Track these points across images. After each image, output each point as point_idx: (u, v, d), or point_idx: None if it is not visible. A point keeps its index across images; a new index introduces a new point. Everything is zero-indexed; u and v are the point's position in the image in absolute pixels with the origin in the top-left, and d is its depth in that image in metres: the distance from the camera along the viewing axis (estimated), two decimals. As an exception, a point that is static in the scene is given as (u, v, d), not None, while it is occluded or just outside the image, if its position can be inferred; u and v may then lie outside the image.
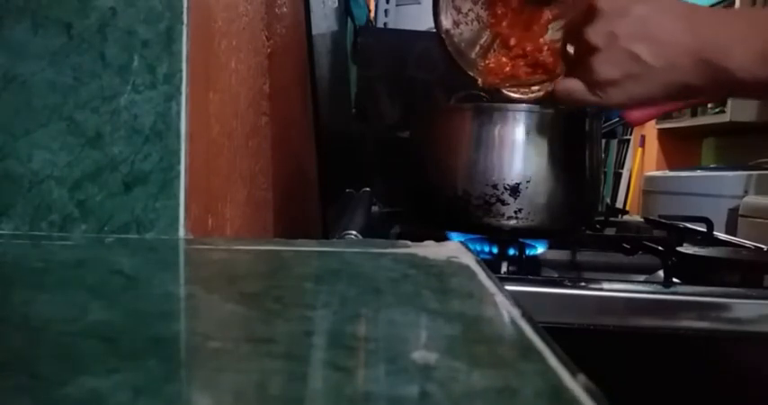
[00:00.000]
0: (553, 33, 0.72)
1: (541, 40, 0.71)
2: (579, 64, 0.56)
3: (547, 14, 0.72)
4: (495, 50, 0.72)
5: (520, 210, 0.65)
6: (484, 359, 0.19)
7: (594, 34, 0.53)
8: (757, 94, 0.60)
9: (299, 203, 0.81)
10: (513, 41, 0.72)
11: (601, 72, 0.54)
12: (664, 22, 0.52)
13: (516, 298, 0.26)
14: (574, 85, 0.56)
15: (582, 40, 0.54)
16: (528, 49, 0.70)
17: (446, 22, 0.74)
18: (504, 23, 0.73)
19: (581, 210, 0.71)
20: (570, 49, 0.62)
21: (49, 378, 0.17)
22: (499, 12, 0.73)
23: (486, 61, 0.72)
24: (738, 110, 2.43)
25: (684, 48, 0.51)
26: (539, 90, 0.71)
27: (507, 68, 0.71)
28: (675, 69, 0.51)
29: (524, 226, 0.66)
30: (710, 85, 0.52)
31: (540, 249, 0.72)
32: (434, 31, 0.77)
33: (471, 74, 0.73)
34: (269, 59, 0.65)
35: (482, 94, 0.77)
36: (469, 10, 0.75)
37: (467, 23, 0.75)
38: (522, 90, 0.72)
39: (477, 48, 0.74)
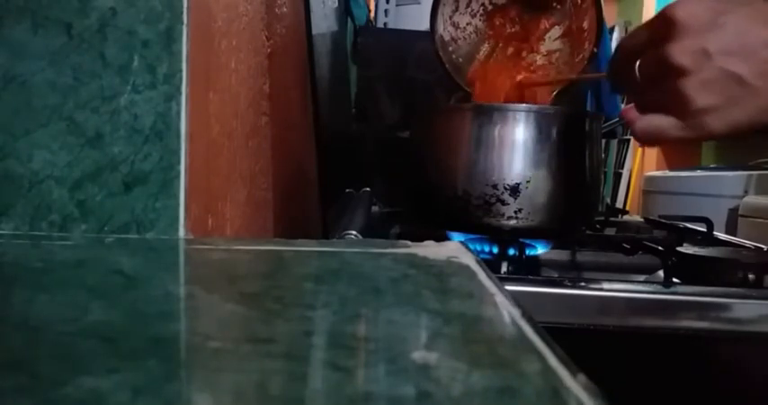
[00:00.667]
0: (550, 43, 0.73)
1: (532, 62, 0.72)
2: (663, 92, 0.47)
3: (544, 24, 0.73)
4: (487, 66, 0.73)
5: (520, 210, 0.65)
6: (484, 359, 0.19)
7: (681, 54, 0.45)
8: None
9: (299, 203, 0.81)
10: (509, 51, 0.73)
11: (697, 99, 0.45)
12: (764, 32, 0.44)
13: (516, 298, 0.26)
14: (661, 121, 0.48)
15: (665, 63, 0.46)
16: (517, 76, 0.71)
17: (444, 39, 0.75)
18: (500, 34, 0.74)
19: (581, 210, 0.71)
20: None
21: (49, 378, 0.17)
22: (497, 23, 0.74)
23: (480, 79, 0.73)
24: (738, 110, 2.43)
25: None
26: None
27: (495, 88, 0.72)
28: None
29: (524, 226, 0.66)
30: None
31: (540, 249, 0.72)
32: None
33: (468, 90, 0.74)
34: (269, 59, 0.65)
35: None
36: (468, 24, 0.75)
37: (464, 38, 0.75)
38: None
39: (476, 63, 0.75)
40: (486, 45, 0.75)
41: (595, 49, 0.69)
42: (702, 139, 0.48)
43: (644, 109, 0.50)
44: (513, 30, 0.74)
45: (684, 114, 0.46)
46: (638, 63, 0.49)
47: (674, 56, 0.45)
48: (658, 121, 0.48)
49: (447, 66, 0.75)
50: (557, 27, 0.73)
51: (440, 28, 0.75)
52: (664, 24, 0.46)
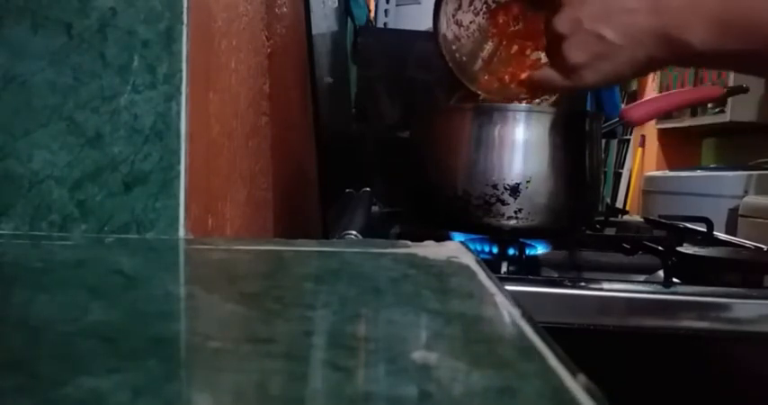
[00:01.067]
0: None
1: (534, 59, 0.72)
2: (552, 53, 0.60)
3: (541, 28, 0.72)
4: (495, 62, 0.73)
5: (520, 210, 0.65)
6: (484, 359, 0.19)
7: (561, 23, 0.57)
8: (720, 66, 0.68)
9: (299, 203, 0.82)
10: (514, 49, 0.72)
11: (571, 56, 0.57)
12: (624, 1, 0.55)
13: (516, 298, 0.26)
14: (549, 74, 0.60)
15: (551, 31, 0.58)
16: (522, 74, 0.71)
17: (448, 37, 0.74)
18: (504, 32, 0.73)
19: (581, 210, 0.71)
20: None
21: (49, 378, 0.17)
22: (501, 20, 0.74)
23: (486, 78, 0.72)
24: (738, 110, 2.44)
25: (645, 25, 0.53)
26: (547, 98, 0.71)
27: (506, 86, 0.72)
28: (639, 46, 0.54)
29: (524, 226, 0.66)
30: (674, 59, 0.55)
31: (540, 249, 0.72)
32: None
33: (473, 89, 0.74)
34: (269, 59, 0.65)
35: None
36: (471, 22, 0.75)
37: (468, 36, 0.75)
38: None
39: (479, 61, 0.74)
40: (490, 43, 0.74)
41: None
42: (581, 88, 0.61)
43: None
44: (516, 28, 0.73)
45: (565, 69, 0.58)
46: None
47: (556, 25, 0.57)
48: (546, 73, 0.61)
49: (450, 64, 0.75)
50: None
51: (443, 26, 0.74)
52: (554, 1, 0.58)
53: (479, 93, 0.74)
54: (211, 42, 0.46)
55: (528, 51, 0.73)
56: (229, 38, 0.50)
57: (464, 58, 0.75)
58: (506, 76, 0.72)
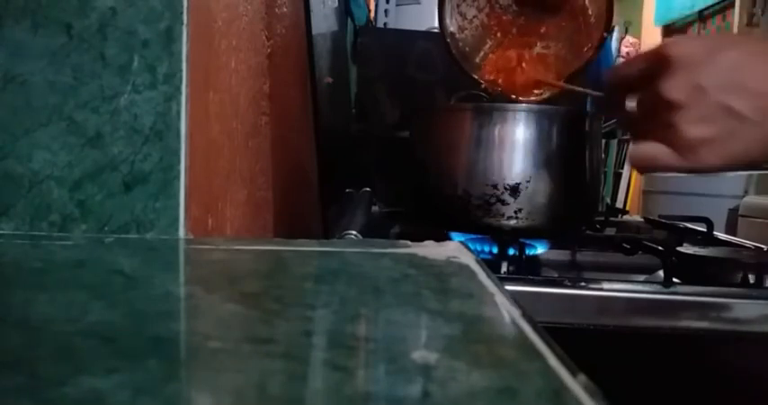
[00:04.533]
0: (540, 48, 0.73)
1: (533, 52, 0.72)
2: (659, 124, 0.48)
3: (543, 27, 0.72)
4: (496, 57, 0.73)
5: (520, 210, 0.65)
6: (484, 359, 0.19)
7: (676, 89, 0.46)
8: None
9: (299, 203, 0.81)
10: (511, 51, 0.73)
11: (689, 131, 0.46)
12: (758, 68, 0.46)
13: (516, 298, 0.26)
14: (655, 150, 0.49)
15: (659, 98, 0.47)
16: (522, 63, 0.71)
17: (451, 27, 0.75)
18: (506, 31, 0.73)
19: (581, 210, 0.71)
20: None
21: (49, 378, 0.17)
22: (504, 18, 0.74)
23: (487, 71, 0.72)
24: (738, 110, 2.43)
25: None
26: (541, 93, 0.71)
27: (505, 76, 0.72)
28: None
29: (524, 226, 0.66)
30: None
31: (540, 249, 0.72)
32: (435, 30, 0.78)
33: (475, 77, 0.74)
34: (269, 59, 0.65)
35: (482, 93, 0.77)
36: (474, 16, 0.75)
37: (471, 29, 0.75)
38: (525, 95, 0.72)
39: (482, 53, 0.74)
40: (491, 40, 0.74)
41: (605, 34, 0.69)
42: (697, 170, 0.48)
43: (637, 136, 0.52)
44: (516, 31, 0.74)
45: (678, 145, 0.47)
46: (628, 96, 0.51)
47: (668, 91, 0.46)
48: (652, 149, 0.49)
49: (454, 51, 0.75)
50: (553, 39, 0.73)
51: (447, 17, 0.74)
52: (658, 61, 0.48)
53: (481, 82, 0.73)
54: (211, 42, 0.46)
55: (528, 49, 0.73)
56: (229, 38, 0.50)
57: (467, 49, 0.75)
58: (505, 74, 0.72)
